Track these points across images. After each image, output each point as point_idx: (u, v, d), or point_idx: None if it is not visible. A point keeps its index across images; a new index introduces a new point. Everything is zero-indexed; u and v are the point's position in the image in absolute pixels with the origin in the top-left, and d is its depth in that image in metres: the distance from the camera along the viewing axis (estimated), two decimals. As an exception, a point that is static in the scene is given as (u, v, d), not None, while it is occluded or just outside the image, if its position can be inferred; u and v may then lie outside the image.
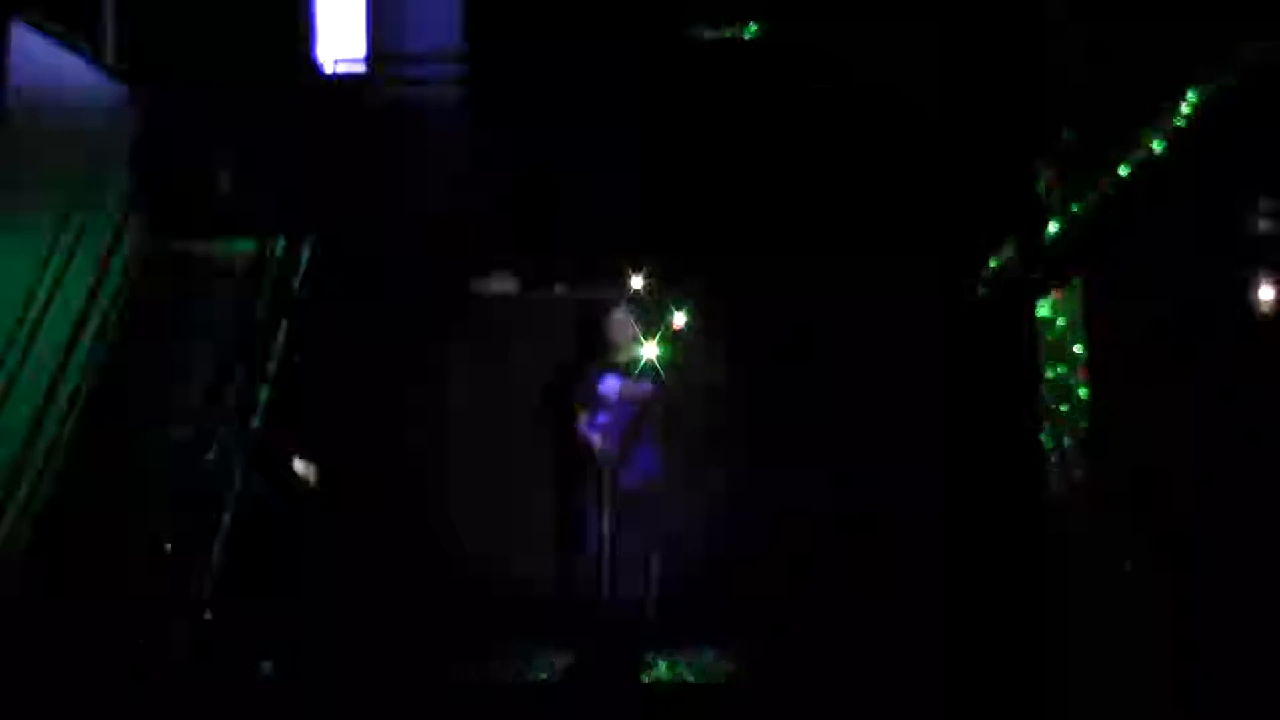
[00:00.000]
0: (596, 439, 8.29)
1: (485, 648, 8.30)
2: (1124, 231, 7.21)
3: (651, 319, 8.54)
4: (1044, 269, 7.61)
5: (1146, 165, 6.85)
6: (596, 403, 8.37)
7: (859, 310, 8.67)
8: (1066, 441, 7.41)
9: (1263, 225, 6.87)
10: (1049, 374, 7.53)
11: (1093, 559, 7.26)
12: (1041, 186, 7.68)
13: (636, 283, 8.85)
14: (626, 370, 8.36)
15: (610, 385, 8.39)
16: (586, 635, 8.21)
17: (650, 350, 8.30)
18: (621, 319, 8.47)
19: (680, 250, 8.98)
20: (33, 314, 7.73)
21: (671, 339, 8.39)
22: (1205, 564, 6.71)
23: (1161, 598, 6.88)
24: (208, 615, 7.31)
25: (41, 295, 7.81)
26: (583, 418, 8.39)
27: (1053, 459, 7.45)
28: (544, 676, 8.10)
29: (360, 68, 10.43)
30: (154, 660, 6.98)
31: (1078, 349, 7.43)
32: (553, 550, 8.89)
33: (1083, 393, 7.39)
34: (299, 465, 8.28)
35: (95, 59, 8.63)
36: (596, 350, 8.54)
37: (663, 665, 8.20)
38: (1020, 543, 7.75)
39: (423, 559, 8.60)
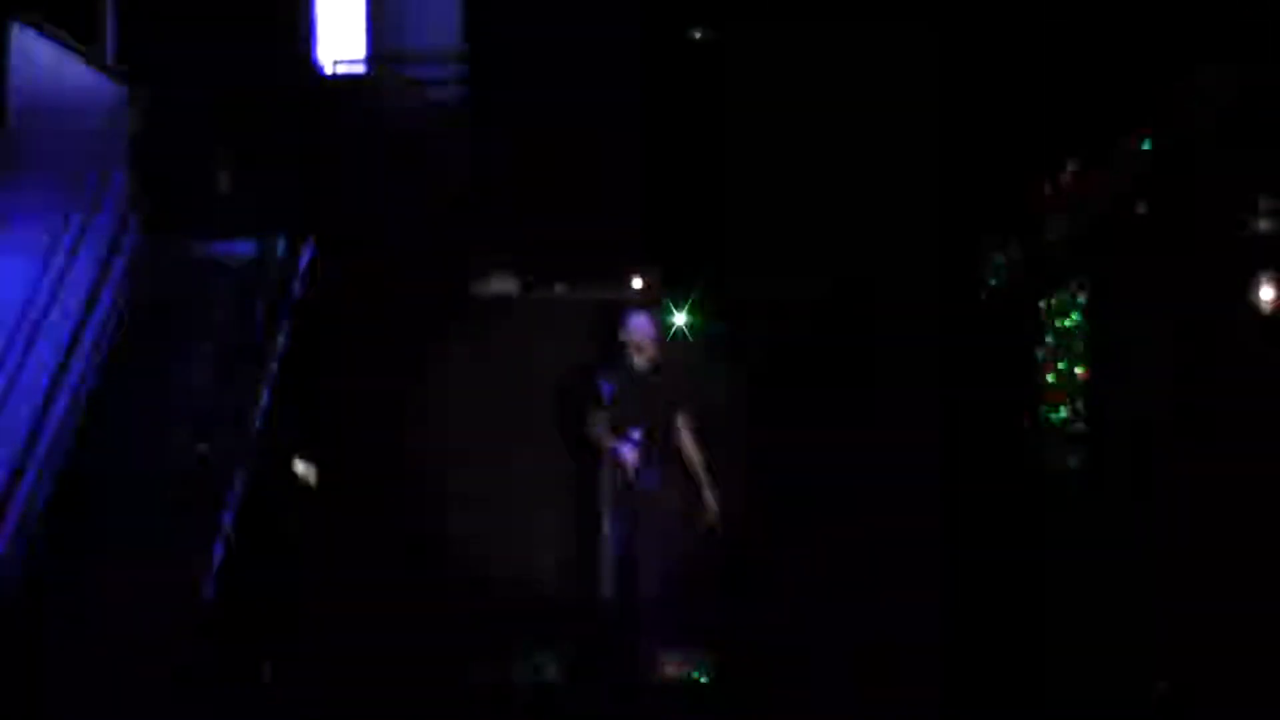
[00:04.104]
0: (630, 456, 8.14)
1: (487, 647, 8.29)
2: (1127, 231, 7.26)
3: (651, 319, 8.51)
4: (1048, 268, 7.68)
5: (1149, 164, 7.01)
6: (611, 404, 8.28)
7: (859, 310, 8.65)
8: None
9: (1263, 225, 6.85)
10: (1052, 374, 7.62)
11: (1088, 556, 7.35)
12: (1045, 186, 7.77)
13: (638, 282, 8.89)
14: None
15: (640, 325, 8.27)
16: (588, 634, 8.23)
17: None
18: (642, 321, 8.36)
19: (681, 250, 9.02)
20: (33, 315, 7.68)
21: (670, 339, 8.43)
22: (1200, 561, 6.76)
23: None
24: (209, 615, 7.30)
25: (42, 296, 7.76)
26: (596, 419, 8.29)
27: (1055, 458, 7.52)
28: (546, 676, 8.14)
29: (360, 68, 10.45)
30: (156, 661, 6.95)
31: (1080, 347, 7.52)
32: (554, 550, 8.85)
33: (1085, 391, 7.47)
34: (299, 466, 8.30)
35: (95, 59, 8.55)
36: (605, 351, 8.53)
37: (665, 664, 8.19)
38: (1021, 542, 7.82)
39: (424, 560, 8.57)
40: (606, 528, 8.05)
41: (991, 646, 7.66)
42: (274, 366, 8.29)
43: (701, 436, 8.27)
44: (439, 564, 8.64)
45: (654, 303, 8.68)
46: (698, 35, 9.61)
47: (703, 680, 8.09)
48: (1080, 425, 7.48)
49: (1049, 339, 7.69)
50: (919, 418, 8.40)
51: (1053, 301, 7.68)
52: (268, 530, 7.83)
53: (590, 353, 8.72)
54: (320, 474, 8.44)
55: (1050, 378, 7.65)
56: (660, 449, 8.17)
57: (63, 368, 7.89)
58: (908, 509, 8.26)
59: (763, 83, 9.15)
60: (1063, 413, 7.57)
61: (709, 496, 8.19)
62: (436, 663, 7.93)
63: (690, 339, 8.54)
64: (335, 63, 10.46)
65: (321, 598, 7.89)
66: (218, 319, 8.49)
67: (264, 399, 8.16)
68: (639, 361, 8.32)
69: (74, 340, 8.00)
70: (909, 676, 7.54)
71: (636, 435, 8.03)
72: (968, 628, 7.82)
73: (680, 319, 8.51)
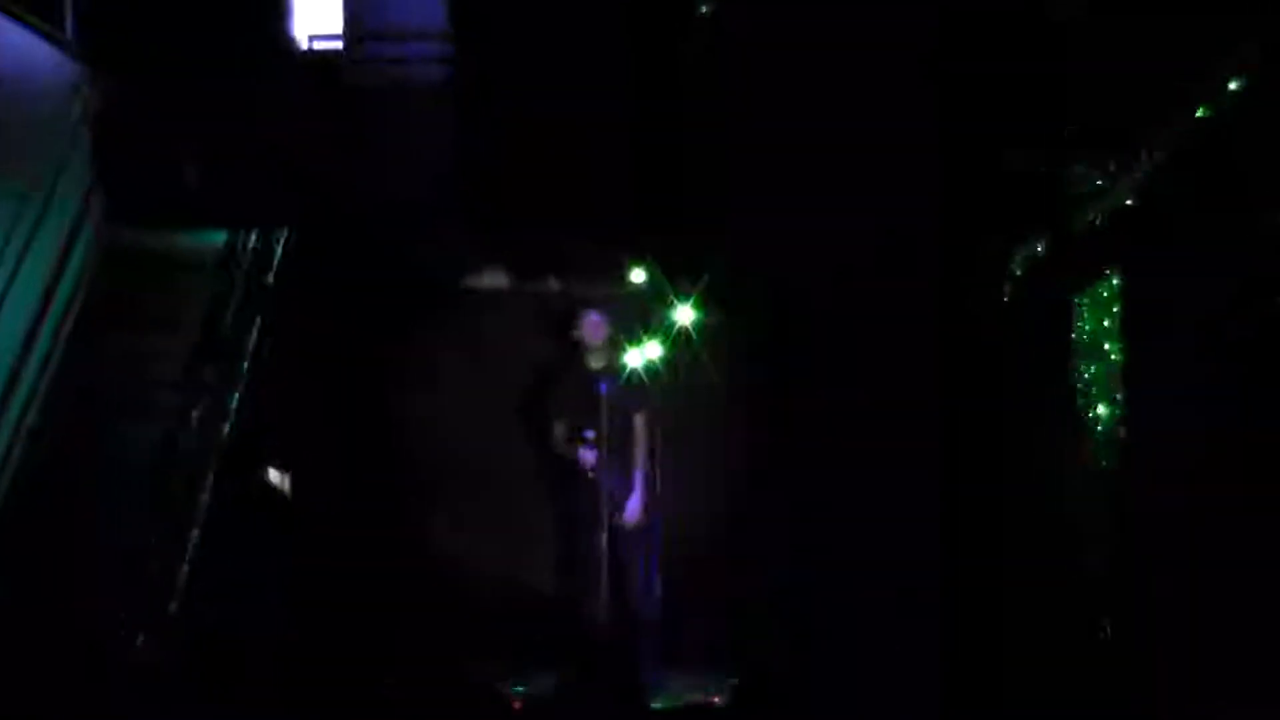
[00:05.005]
0: (589, 459, 8.18)
1: (473, 664, 8.16)
2: (1163, 222, 6.99)
3: (650, 317, 8.47)
4: (1076, 263, 7.45)
5: (1185, 147, 6.76)
6: (582, 412, 8.23)
7: (875, 311, 8.41)
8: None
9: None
10: (1084, 375, 7.42)
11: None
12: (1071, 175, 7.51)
13: (638, 276, 8.77)
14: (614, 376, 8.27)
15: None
16: (582, 652, 8.14)
17: (637, 356, 8.19)
18: (596, 320, 8.42)
19: (680, 242, 8.85)
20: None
21: (673, 337, 8.31)
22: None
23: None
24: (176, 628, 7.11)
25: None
26: (559, 428, 8.37)
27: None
28: (537, 696, 8.01)
29: (338, 45, 10.27)
30: (121, 674, 6.80)
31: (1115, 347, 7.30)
32: (548, 561, 8.70)
33: (1120, 396, 7.25)
34: (273, 473, 8.20)
35: (53, 36, 8.26)
36: (578, 352, 8.54)
37: (661, 684, 8.10)
38: (1042, 555, 7.57)
39: (409, 570, 8.52)
40: (602, 539, 8.06)
41: (992, 660, 7.61)
42: (245, 366, 8.13)
43: (655, 441, 8.38)
44: (425, 574, 8.57)
45: (656, 298, 8.62)
46: (704, 9, 9.40)
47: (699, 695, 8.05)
48: (1119, 429, 7.28)
49: (1081, 338, 7.48)
50: (920, 426, 8.24)
51: (1085, 298, 7.48)
52: (240, 541, 7.63)
53: (551, 354, 8.81)
54: (295, 481, 8.33)
55: (1084, 379, 7.43)
56: (620, 454, 8.23)
57: (16, 368, 7.59)
58: (907, 517, 8.13)
59: (760, 61, 8.96)
60: (1101, 414, 7.36)
61: (633, 501, 8.25)
62: (424, 675, 7.90)
63: (694, 336, 8.43)
64: (311, 39, 10.30)
65: (296, 613, 7.72)
66: (185, 315, 8.30)
67: (235, 400, 7.98)
68: (594, 363, 8.36)
69: (29, 339, 7.68)
70: (909, 688, 7.53)
71: (590, 434, 8.11)
72: (969, 640, 7.77)
73: (683, 315, 8.34)
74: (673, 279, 8.60)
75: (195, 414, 7.82)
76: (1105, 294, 7.31)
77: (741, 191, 8.90)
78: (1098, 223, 7.26)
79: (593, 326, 8.44)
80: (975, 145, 8.08)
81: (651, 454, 8.37)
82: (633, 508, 8.26)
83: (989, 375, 7.94)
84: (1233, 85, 6.50)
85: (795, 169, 8.64)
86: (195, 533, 7.40)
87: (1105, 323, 7.30)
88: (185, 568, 7.25)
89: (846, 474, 8.25)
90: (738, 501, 8.79)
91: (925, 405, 8.22)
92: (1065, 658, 7.19)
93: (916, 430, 8.20)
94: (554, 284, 9.27)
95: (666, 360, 8.28)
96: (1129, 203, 7.05)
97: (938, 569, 8.03)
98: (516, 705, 7.93)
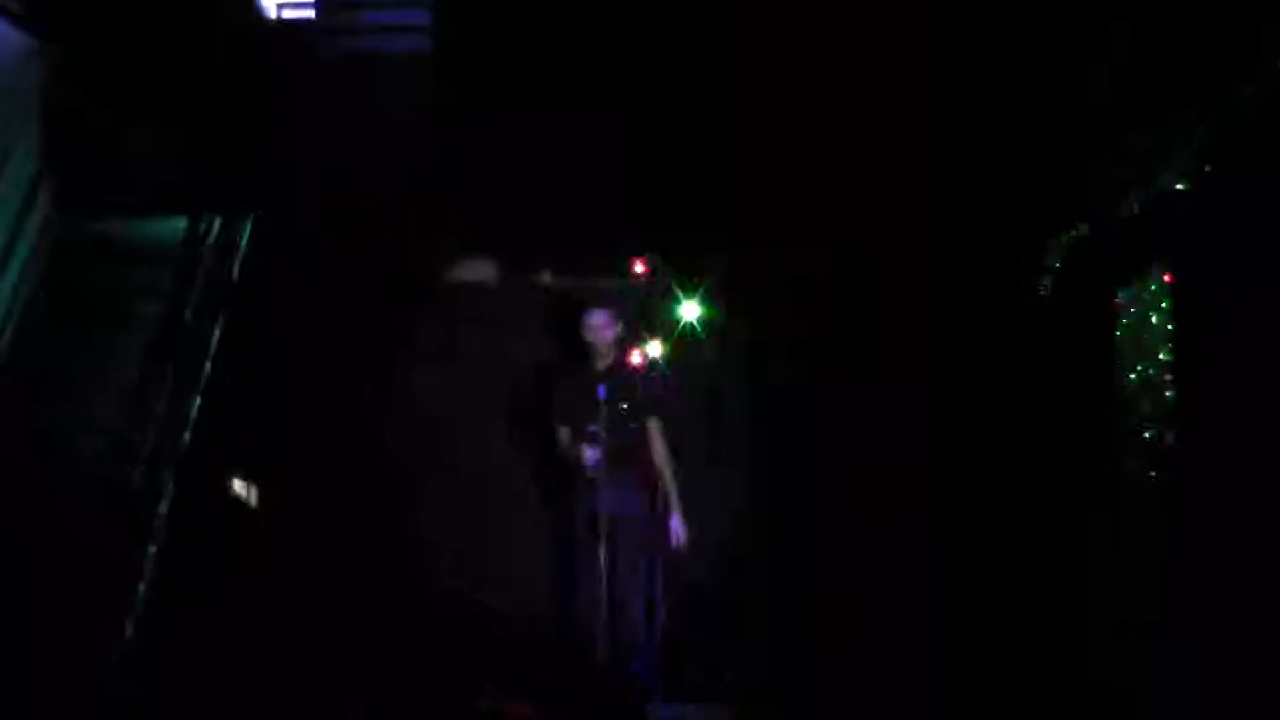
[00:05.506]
0: (591, 457, 7.90)
1: (463, 682, 7.74)
2: (1218, 204, 6.47)
3: (651, 313, 8.40)
4: (1121, 254, 7.00)
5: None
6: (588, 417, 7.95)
7: (895, 312, 8.20)
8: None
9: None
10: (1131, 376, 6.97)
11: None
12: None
13: (638, 269, 8.67)
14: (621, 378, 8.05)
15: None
16: (578, 684, 7.82)
17: (646, 356, 8.03)
18: (603, 320, 8.15)
19: (684, 236, 8.70)
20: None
21: (676, 336, 8.17)
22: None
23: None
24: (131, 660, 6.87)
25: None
26: (564, 433, 8.11)
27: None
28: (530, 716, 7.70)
29: (310, 13, 10.12)
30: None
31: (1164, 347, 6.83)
32: (544, 575, 8.48)
33: (1170, 396, 6.75)
34: (237, 485, 8.02)
35: (3, 6, 7.97)
36: (583, 354, 8.26)
37: (661, 705, 7.82)
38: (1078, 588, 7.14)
39: (387, 588, 8.17)
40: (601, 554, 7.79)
41: (996, 679, 7.34)
42: (208, 366, 7.89)
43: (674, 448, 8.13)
44: (407, 591, 8.23)
45: (662, 292, 8.49)
46: None
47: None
48: (1168, 437, 6.76)
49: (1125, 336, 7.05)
50: (923, 428, 7.99)
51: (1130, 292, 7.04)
52: (199, 560, 7.35)
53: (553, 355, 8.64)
54: (262, 494, 8.14)
55: (1129, 382, 6.97)
56: (626, 463, 7.96)
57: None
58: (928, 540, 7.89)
59: (763, 50, 8.78)
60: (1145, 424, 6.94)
61: (677, 521, 8.00)
62: (406, 696, 7.53)
63: (701, 334, 8.25)
64: (280, 7, 10.10)
65: (262, 639, 7.34)
66: (141, 310, 8.09)
67: (196, 404, 7.74)
68: (599, 366, 8.13)
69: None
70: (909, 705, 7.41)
71: (595, 429, 7.84)
72: (972, 668, 7.53)
73: (690, 311, 8.15)
74: (679, 273, 8.42)
75: (152, 417, 7.57)
76: (1153, 287, 6.84)
77: (745, 185, 8.63)
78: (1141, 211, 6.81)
79: (599, 327, 8.12)
80: (997, 129, 7.67)
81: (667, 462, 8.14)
82: (676, 527, 7.97)
83: (1015, 377, 7.57)
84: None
85: (799, 160, 8.38)
86: (152, 547, 7.10)
87: (1154, 319, 6.84)
88: (142, 584, 6.96)
89: (852, 480, 8.02)
90: (743, 508, 8.52)
91: (929, 406, 7.92)
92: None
93: (922, 432, 7.91)
94: (550, 278, 9.12)
95: (670, 361, 8.10)
96: (1178, 187, 6.56)
97: (941, 589, 7.73)
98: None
